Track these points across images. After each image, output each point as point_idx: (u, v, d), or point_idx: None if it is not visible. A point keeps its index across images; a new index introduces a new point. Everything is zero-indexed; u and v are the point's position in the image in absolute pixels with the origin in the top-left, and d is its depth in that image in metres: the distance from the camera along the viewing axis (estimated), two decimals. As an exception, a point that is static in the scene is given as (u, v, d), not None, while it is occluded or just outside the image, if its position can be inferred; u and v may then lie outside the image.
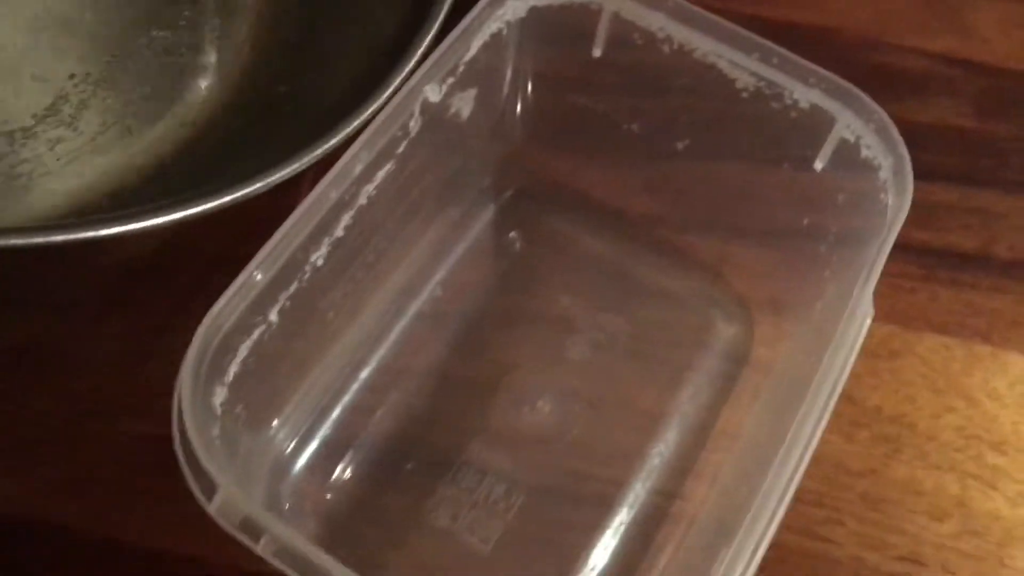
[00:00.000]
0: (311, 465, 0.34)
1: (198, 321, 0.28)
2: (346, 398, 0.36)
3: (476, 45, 0.34)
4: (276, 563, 0.26)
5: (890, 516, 0.36)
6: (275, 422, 0.34)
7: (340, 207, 0.31)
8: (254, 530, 0.26)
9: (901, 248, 0.32)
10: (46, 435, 0.35)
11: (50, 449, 0.35)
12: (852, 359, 0.30)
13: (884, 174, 0.33)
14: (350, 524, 0.34)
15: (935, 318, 0.39)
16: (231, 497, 0.26)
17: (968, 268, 0.41)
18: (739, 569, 0.26)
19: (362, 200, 0.32)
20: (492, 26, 0.35)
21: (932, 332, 0.39)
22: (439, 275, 0.38)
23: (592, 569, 0.33)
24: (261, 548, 0.26)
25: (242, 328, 0.29)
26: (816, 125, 0.34)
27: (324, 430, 0.35)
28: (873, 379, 0.38)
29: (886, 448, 0.37)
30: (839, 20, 0.45)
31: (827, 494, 0.35)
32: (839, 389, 0.30)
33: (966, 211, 0.42)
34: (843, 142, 0.34)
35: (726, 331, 0.38)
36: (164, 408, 0.27)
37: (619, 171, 0.39)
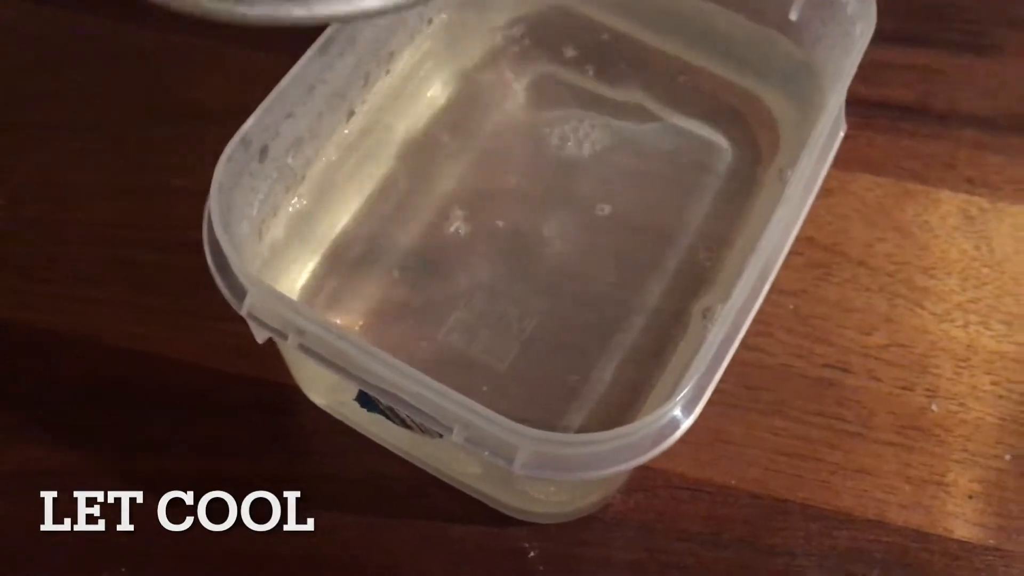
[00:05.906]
0: (332, 287, 0.39)
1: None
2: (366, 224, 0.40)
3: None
4: (304, 356, 0.30)
5: (819, 330, 0.39)
6: (295, 246, 0.39)
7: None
8: (282, 328, 0.30)
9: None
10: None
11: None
12: (829, 162, 0.35)
13: (851, 8, 0.36)
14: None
15: (871, 161, 0.43)
16: (259, 299, 0.30)
17: (906, 118, 0.44)
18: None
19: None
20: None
21: (867, 173, 0.43)
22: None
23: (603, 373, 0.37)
24: (289, 343, 0.30)
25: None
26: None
27: (345, 254, 0.39)
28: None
29: (818, 272, 0.40)
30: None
31: (759, 309, 0.38)
32: (815, 190, 0.34)
33: (906, 68, 0.45)
34: None
35: (728, 154, 0.42)
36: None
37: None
